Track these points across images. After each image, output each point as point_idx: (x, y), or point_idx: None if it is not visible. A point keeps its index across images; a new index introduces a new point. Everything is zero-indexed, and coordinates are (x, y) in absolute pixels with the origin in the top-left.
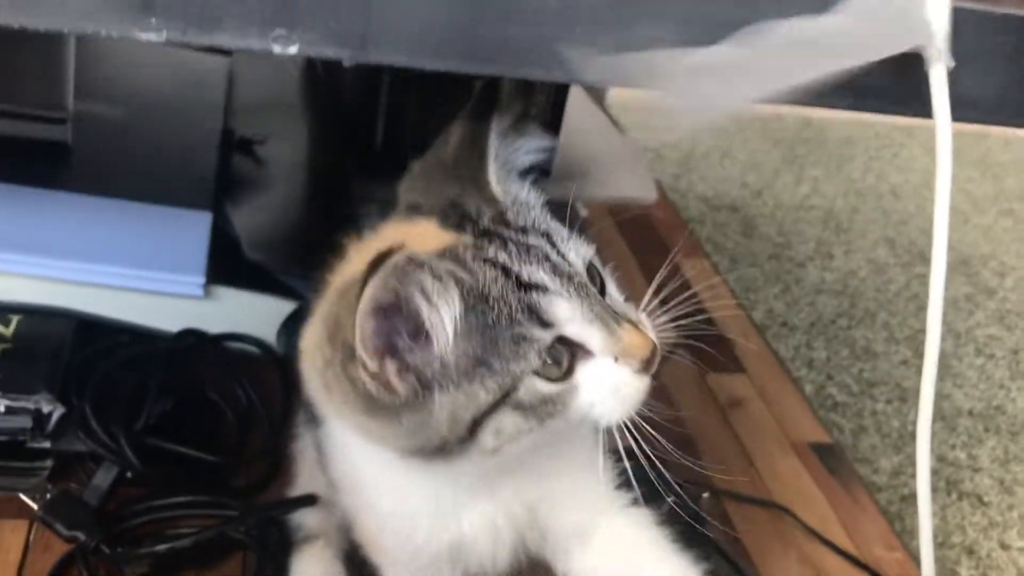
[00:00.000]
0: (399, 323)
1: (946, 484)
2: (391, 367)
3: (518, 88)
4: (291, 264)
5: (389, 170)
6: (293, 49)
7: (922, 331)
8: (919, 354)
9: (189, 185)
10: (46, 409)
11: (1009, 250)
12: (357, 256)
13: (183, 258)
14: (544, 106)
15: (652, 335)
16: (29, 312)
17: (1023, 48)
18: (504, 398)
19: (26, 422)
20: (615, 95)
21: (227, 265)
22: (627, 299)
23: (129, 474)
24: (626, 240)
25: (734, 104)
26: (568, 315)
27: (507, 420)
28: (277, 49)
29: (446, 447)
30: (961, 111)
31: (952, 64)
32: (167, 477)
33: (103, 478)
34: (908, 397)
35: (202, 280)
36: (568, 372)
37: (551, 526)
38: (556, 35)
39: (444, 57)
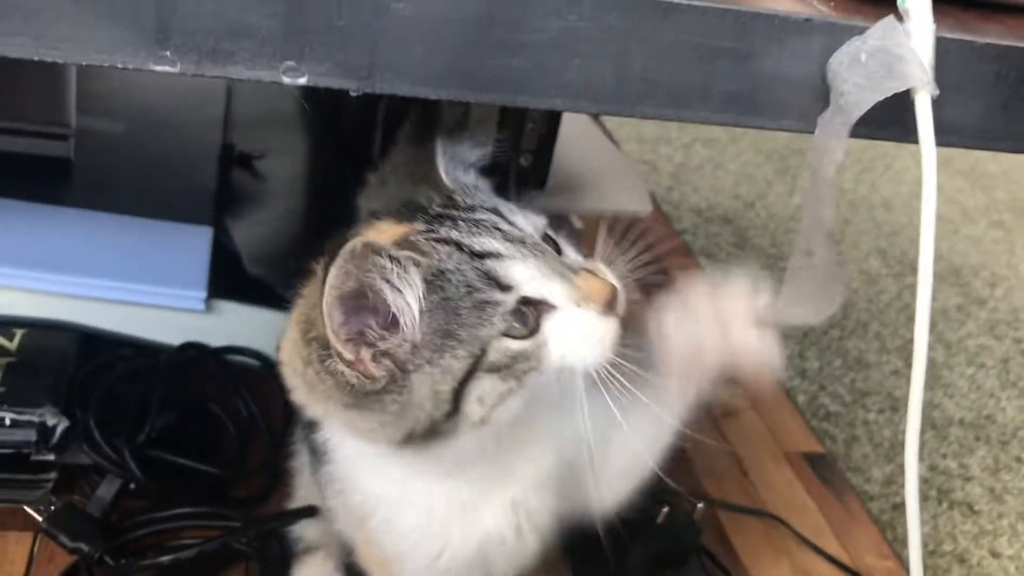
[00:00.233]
0: (367, 310)
1: (937, 493)
2: (366, 353)
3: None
4: (291, 278)
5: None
6: (302, 80)
7: (913, 341)
8: (911, 364)
9: (189, 200)
10: (50, 422)
11: (999, 261)
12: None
13: (184, 272)
14: (540, 120)
15: (611, 278)
16: (33, 326)
17: (1004, 76)
18: (476, 363)
19: (31, 435)
20: None
21: (228, 279)
22: (585, 256)
23: (132, 486)
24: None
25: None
26: (525, 275)
27: (486, 384)
28: (287, 80)
29: (435, 426)
30: (945, 136)
31: (936, 92)
32: (169, 489)
33: (106, 490)
34: (900, 407)
35: (203, 294)
36: (535, 328)
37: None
38: (554, 66)
39: (447, 87)
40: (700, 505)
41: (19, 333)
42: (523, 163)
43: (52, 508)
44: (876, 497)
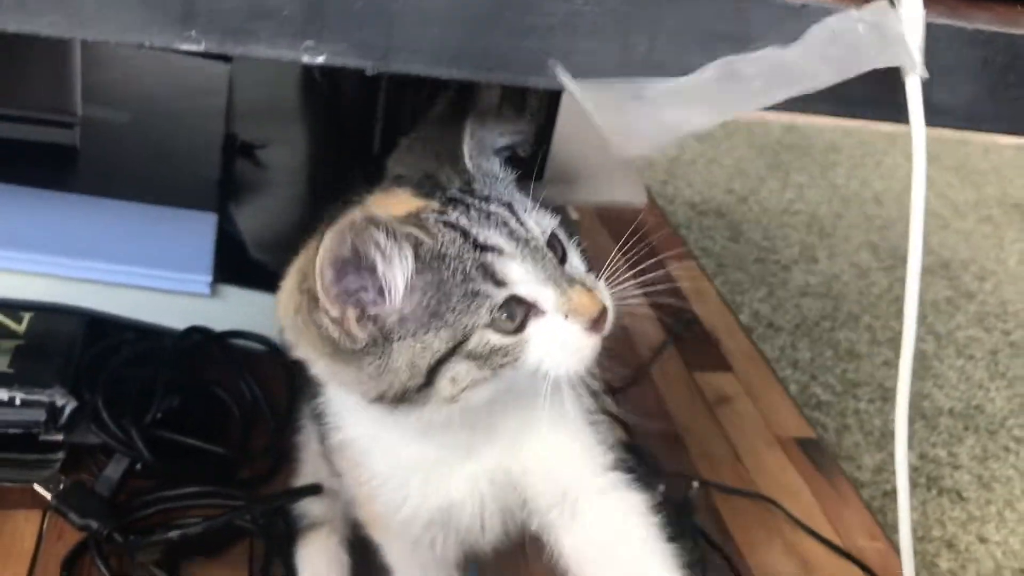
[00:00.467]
0: (359, 276)
1: (927, 480)
2: (351, 314)
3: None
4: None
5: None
6: (321, 59)
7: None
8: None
9: (194, 188)
10: (59, 402)
11: (988, 255)
12: None
13: (190, 257)
14: (538, 113)
15: (604, 298)
16: (41, 310)
17: (991, 61)
18: (456, 347)
19: (40, 415)
20: None
21: (232, 265)
22: (589, 270)
23: (139, 466)
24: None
25: (694, 127)
26: (520, 276)
27: (461, 368)
28: (306, 59)
29: (407, 394)
30: (935, 118)
31: (926, 75)
32: (175, 469)
33: (114, 469)
34: (890, 397)
35: (208, 278)
36: (521, 327)
37: (536, 492)
38: (561, 48)
39: (459, 66)
40: (695, 484)
41: (27, 316)
42: (521, 154)
43: (61, 486)
44: (867, 484)
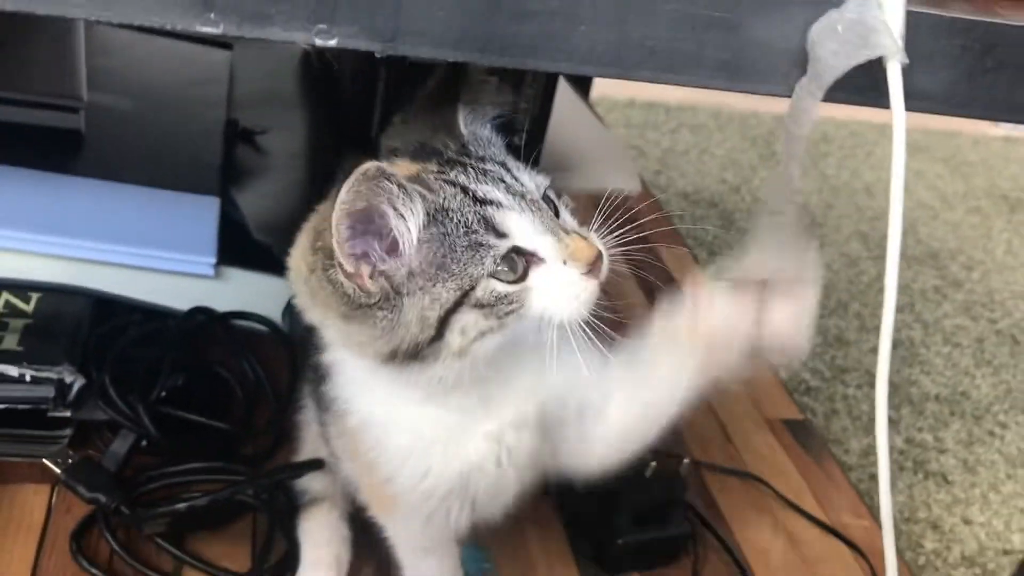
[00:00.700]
0: (371, 232)
1: (913, 464)
2: (365, 269)
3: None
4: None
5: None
6: (333, 42)
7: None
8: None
9: (196, 172)
10: (68, 379)
11: (976, 245)
12: None
13: (194, 239)
14: (532, 100)
15: (598, 244)
16: (50, 290)
17: (969, 48)
18: (464, 297)
19: (49, 392)
20: (599, 92)
21: (235, 247)
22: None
23: (144, 442)
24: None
25: None
26: (520, 226)
27: (469, 318)
28: (319, 42)
29: (419, 348)
30: (915, 102)
31: (906, 61)
32: (180, 445)
33: (121, 445)
34: None
35: (213, 260)
36: (523, 276)
37: (557, 420)
38: (561, 33)
39: (464, 50)
40: (686, 461)
41: (35, 296)
42: (516, 142)
43: (70, 461)
44: (854, 467)
